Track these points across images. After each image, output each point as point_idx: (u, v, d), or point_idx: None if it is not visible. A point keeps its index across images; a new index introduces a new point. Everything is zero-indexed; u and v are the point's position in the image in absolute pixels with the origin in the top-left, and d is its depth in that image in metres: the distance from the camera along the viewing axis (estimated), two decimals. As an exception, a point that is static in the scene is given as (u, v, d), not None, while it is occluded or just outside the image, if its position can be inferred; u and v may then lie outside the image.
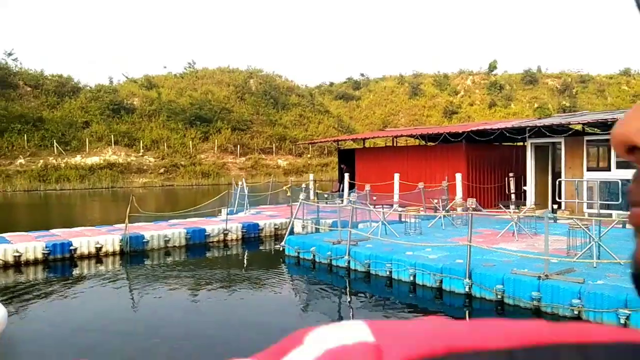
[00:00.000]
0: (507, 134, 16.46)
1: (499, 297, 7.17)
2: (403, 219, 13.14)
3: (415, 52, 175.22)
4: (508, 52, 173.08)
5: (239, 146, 48.48)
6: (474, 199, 12.46)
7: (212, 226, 13.93)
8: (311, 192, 21.16)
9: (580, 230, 8.30)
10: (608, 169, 14.05)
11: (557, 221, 11.72)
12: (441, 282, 7.93)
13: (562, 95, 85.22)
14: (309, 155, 51.41)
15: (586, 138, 14.60)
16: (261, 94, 57.28)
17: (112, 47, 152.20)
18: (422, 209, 13.67)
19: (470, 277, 7.52)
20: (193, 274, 10.25)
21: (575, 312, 6.35)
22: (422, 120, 71.93)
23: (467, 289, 7.54)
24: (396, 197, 18.64)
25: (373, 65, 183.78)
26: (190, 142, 47.10)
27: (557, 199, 14.85)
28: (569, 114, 28.16)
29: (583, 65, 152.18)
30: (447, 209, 13.22)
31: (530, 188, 15.84)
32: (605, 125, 15.36)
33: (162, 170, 43.36)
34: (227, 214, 18.33)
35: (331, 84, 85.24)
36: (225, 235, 13.87)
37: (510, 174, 18.00)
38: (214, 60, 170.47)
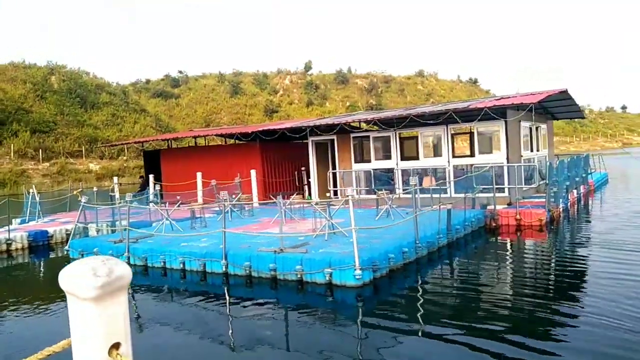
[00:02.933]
0: (288, 134, 18.52)
1: (247, 272, 8.69)
2: (198, 215, 14.22)
3: (234, 50, 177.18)
4: (322, 53, 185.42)
5: (41, 150, 44.31)
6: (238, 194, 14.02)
7: (-8, 237, 13.31)
8: (117, 195, 21.06)
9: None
10: (369, 161, 16.93)
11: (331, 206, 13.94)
12: (204, 265, 9.21)
13: (370, 94, 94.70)
14: (124, 158, 49.21)
15: (352, 135, 17.33)
16: (65, 92, 52.90)
17: None
18: (203, 205, 14.90)
19: (226, 259, 8.93)
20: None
21: (299, 276, 8.13)
22: (245, 119, 73.74)
23: (224, 269, 8.93)
24: (199, 195, 19.69)
25: (191, 62, 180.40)
26: (-21, 147, 41.74)
27: (332, 188, 17.39)
28: (344, 114, 32.10)
29: (386, 66, 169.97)
30: (233, 202, 14.65)
31: (313, 180, 18.19)
32: (369, 123, 18.38)
33: (-58, 182, 37.74)
34: (19, 223, 17.43)
35: (147, 82, 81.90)
36: (9, 245, 13.40)
37: (302, 168, 20.39)
38: (3, 54, 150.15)
